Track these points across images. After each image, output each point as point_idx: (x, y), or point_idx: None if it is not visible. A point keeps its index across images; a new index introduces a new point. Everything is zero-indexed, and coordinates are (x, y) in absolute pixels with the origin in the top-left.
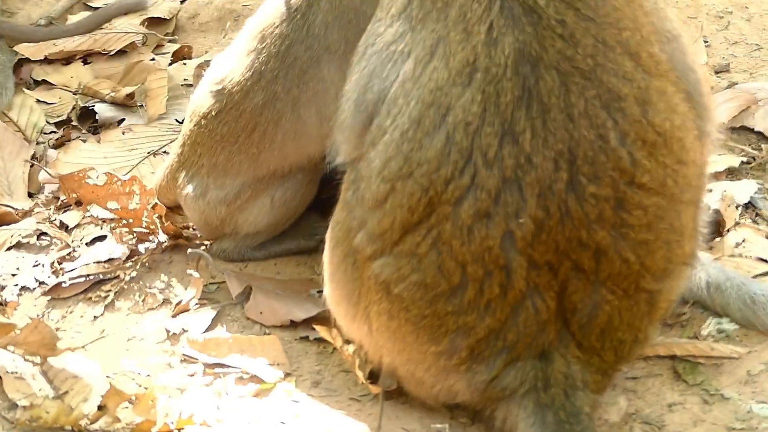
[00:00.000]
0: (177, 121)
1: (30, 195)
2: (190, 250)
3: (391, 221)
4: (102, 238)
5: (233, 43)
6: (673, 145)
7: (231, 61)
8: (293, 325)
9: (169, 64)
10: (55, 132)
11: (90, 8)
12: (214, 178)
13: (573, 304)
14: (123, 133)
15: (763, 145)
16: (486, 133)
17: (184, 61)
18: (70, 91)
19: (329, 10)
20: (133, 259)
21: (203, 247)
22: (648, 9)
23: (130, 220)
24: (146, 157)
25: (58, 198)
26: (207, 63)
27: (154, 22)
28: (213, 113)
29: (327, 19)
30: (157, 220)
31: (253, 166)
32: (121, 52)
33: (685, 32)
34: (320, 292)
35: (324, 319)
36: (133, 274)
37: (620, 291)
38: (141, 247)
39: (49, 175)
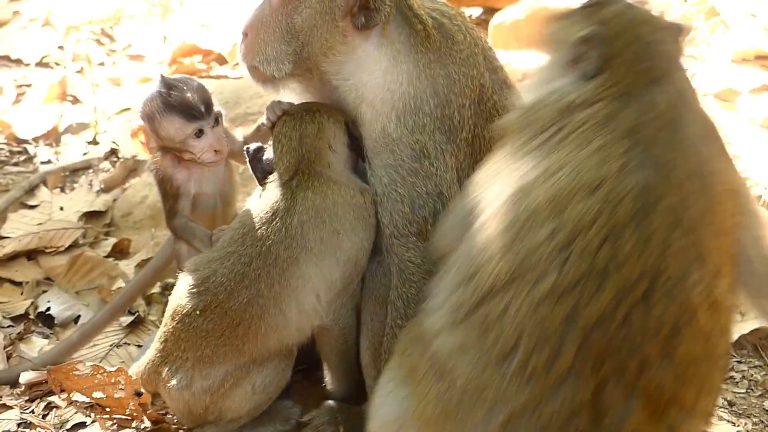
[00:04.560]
0: (130, 312)
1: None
2: None
3: (473, 291)
4: (82, 424)
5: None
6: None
7: (212, 263)
8: None
9: (107, 257)
10: (12, 326)
11: (27, 206)
12: (199, 370)
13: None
14: None
15: None
16: (592, 233)
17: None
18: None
19: (303, 211)
20: None
21: None
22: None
23: (110, 408)
24: (110, 349)
25: (33, 387)
26: (146, 261)
27: (90, 216)
28: (198, 311)
29: (303, 219)
30: (141, 408)
31: (236, 356)
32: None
33: None
34: None
35: None
36: None
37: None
38: None
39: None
